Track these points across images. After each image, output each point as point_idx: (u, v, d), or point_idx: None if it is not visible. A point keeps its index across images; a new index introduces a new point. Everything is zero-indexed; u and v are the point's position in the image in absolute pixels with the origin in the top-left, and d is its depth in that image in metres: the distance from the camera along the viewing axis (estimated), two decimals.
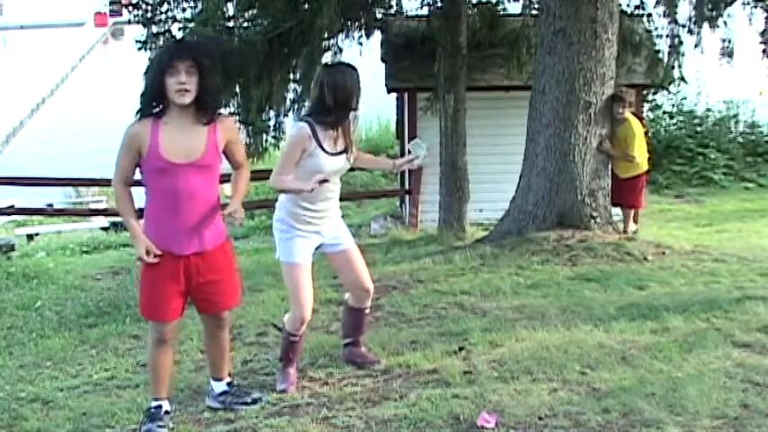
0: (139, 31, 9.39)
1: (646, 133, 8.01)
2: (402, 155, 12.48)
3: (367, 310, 4.25)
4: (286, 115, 9.79)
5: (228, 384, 3.88)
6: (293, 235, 3.87)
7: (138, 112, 3.43)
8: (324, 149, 3.78)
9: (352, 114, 3.90)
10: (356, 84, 3.84)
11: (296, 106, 9.66)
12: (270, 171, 3.91)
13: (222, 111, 3.84)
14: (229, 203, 3.58)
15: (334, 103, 3.76)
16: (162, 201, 3.44)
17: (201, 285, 3.55)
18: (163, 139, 3.35)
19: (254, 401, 3.82)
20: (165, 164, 3.36)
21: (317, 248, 3.98)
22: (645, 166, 7.65)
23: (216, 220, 3.57)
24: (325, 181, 3.68)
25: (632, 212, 7.80)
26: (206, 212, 3.51)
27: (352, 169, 4.02)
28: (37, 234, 14.53)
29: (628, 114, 7.33)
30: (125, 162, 3.44)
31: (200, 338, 4.48)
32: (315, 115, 3.82)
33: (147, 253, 3.41)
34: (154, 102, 3.41)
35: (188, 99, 3.36)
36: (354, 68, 3.94)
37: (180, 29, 9.33)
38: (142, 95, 3.45)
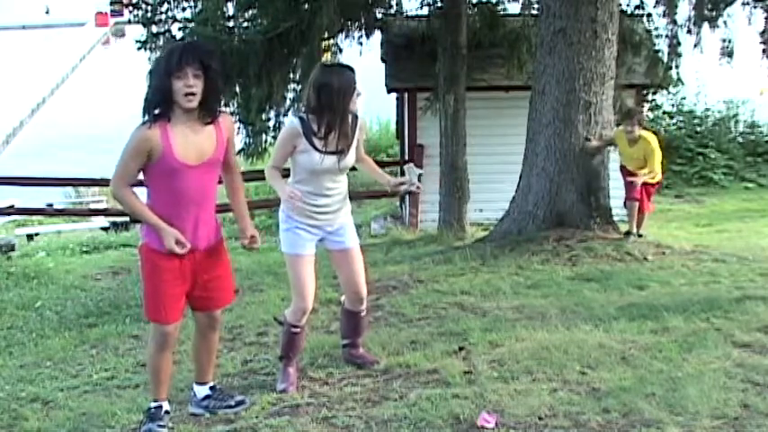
0: (140, 31, 9.40)
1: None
2: (402, 155, 12.54)
3: (362, 314, 4.23)
4: (286, 115, 9.79)
5: (211, 388, 3.86)
6: (293, 227, 3.91)
7: (144, 116, 3.37)
8: (316, 147, 3.79)
9: (360, 121, 3.90)
10: (344, 84, 3.77)
11: (296, 106, 9.67)
12: None
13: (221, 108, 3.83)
14: (245, 228, 3.66)
15: (317, 103, 3.77)
16: (170, 201, 3.41)
17: (206, 282, 3.56)
18: (175, 142, 3.33)
19: (238, 404, 3.80)
20: (178, 165, 3.35)
21: (320, 241, 4.00)
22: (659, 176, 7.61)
23: (215, 216, 3.62)
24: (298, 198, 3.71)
25: (636, 206, 7.59)
26: (211, 208, 3.56)
27: (353, 168, 4.02)
28: (37, 234, 14.51)
29: (641, 132, 7.24)
30: (132, 166, 3.37)
31: None
32: (307, 113, 3.83)
33: (177, 243, 3.37)
34: (159, 105, 3.36)
35: (195, 103, 3.34)
36: (347, 69, 3.91)
37: (180, 29, 9.34)
38: (147, 99, 3.39)
